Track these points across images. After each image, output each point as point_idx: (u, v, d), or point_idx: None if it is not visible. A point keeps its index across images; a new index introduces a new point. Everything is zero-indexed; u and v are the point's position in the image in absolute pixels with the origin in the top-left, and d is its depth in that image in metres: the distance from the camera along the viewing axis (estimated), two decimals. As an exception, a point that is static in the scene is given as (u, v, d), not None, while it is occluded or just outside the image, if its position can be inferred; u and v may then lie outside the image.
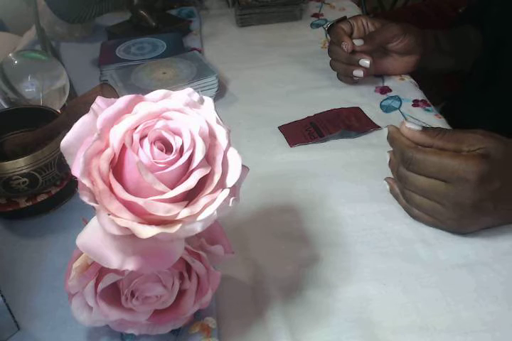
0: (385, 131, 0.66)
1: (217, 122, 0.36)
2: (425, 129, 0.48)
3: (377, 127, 0.66)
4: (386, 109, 0.71)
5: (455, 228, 0.50)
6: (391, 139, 0.51)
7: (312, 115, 0.69)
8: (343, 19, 0.76)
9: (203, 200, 0.33)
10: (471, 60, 0.78)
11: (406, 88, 0.75)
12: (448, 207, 0.47)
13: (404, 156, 0.48)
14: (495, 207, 0.47)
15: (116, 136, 0.33)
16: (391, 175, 0.57)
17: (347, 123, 0.66)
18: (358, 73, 0.72)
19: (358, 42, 0.70)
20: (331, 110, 0.70)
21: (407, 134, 0.49)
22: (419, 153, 0.47)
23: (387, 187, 0.55)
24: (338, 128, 0.65)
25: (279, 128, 0.68)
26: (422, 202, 0.49)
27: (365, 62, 0.70)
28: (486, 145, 0.45)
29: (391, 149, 0.52)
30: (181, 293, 0.41)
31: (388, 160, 0.53)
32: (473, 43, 0.78)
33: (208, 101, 0.37)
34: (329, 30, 0.76)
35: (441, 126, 0.64)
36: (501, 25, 0.70)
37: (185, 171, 0.34)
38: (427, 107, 0.70)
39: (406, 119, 0.68)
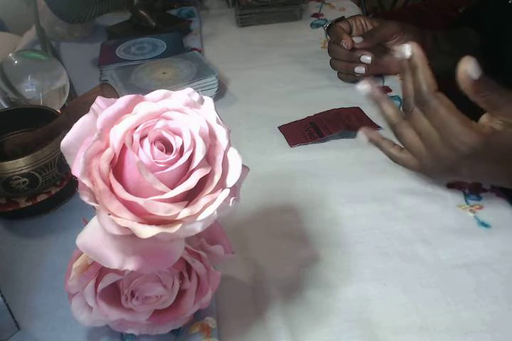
0: (384, 132, 0.66)
1: (218, 122, 0.36)
2: (481, 80, 0.45)
3: (377, 127, 0.66)
4: (386, 109, 0.71)
5: (424, 171, 0.51)
6: (414, 66, 0.47)
7: (312, 115, 0.69)
8: (342, 19, 0.76)
9: (203, 200, 0.33)
10: None
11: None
12: (428, 154, 0.48)
13: (421, 95, 0.46)
14: (469, 174, 0.48)
15: (116, 136, 0.33)
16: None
17: (347, 123, 0.66)
18: (360, 70, 0.72)
19: (358, 40, 0.70)
20: (331, 110, 0.70)
21: (461, 75, 0.45)
22: (437, 100, 0.46)
23: (364, 137, 0.54)
24: (338, 128, 0.65)
25: (279, 128, 0.68)
26: (412, 140, 0.49)
27: (367, 58, 0.71)
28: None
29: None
30: (181, 293, 0.41)
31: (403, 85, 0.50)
32: (472, 44, 0.78)
33: (208, 101, 0.37)
34: (328, 30, 0.76)
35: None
36: (498, 25, 0.70)
37: (186, 171, 0.34)
38: (427, 107, 0.70)
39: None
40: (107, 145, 0.34)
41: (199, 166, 0.34)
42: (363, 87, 0.57)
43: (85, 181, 0.32)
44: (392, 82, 0.76)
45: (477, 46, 0.77)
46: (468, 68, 0.45)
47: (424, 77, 0.47)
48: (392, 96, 0.72)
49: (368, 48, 0.71)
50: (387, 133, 0.66)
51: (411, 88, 0.48)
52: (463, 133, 0.44)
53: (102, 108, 0.35)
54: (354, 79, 0.75)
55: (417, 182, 0.58)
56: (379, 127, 0.66)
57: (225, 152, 0.35)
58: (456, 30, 0.81)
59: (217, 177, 0.34)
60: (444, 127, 0.45)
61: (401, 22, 0.73)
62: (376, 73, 0.76)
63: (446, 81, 0.50)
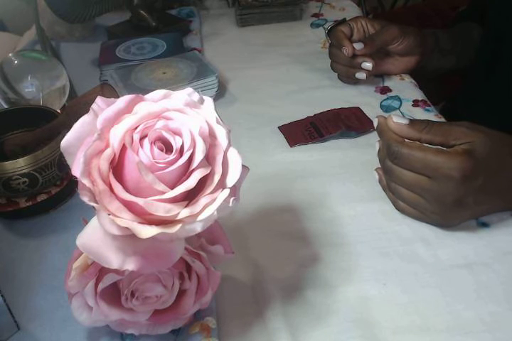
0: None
1: (217, 122, 0.36)
2: (412, 122, 0.48)
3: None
4: (386, 109, 0.71)
5: (438, 222, 0.51)
6: (379, 131, 0.50)
7: (312, 115, 0.69)
8: (343, 21, 0.76)
9: (203, 200, 0.33)
10: (472, 56, 0.78)
11: (406, 88, 0.75)
12: (431, 201, 0.48)
13: (390, 150, 0.48)
14: (475, 202, 0.47)
15: (116, 136, 0.33)
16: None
17: (347, 123, 0.66)
18: (361, 75, 0.72)
19: (358, 46, 0.70)
20: (331, 110, 0.70)
21: (394, 129, 0.48)
22: (405, 147, 0.47)
23: (377, 177, 0.55)
24: (338, 128, 0.65)
25: (279, 128, 0.68)
26: (408, 195, 0.49)
27: (367, 64, 0.71)
28: (471, 140, 0.46)
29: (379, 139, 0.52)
30: (181, 293, 0.41)
31: (377, 149, 0.52)
32: (474, 39, 0.78)
33: (208, 101, 0.37)
34: (329, 33, 0.76)
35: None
36: (503, 20, 0.70)
37: (186, 171, 0.34)
38: (427, 107, 0.70)
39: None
40: (107, 145, 0.34)
41: (199, 166, 0.34)
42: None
43: (85, 181, 0.32)
44: (393, 82, 0.76)
45: (478, 41, 0.77)
46: (394, 119, 0.48)
47: (388, 136, 0.49)
48: (392, 96, 0.73)
49: (368, 54, 0.71)
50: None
51: (383, 151, 0.51)
52: (446, 160, 0.45)
53: (102, 108, 0.35)
54: (354, 82, 0.75)
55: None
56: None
57: (225, 152, 0.35)
58: (458, 25, 0.81)
59: (217, 177, 0.34)
60: (427, 165, 0.46)
61: (401, 25, 0.73)
62: (376, 74, 0.76)
63: (449, 78, 0.50)
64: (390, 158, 0.49)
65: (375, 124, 0.51)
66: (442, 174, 0.45)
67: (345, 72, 0.74)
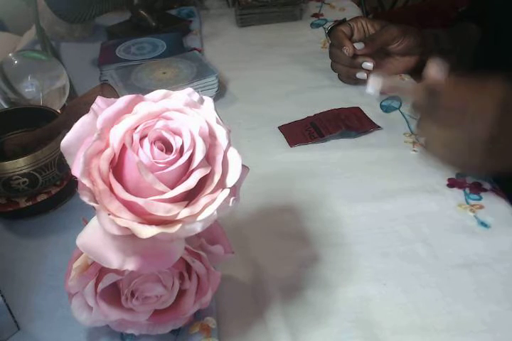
0: (384, 132, 0.66)
1: (217, 122, 0.36)
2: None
3: (377, 127, 0.66)
4: (386, 109, 0.71)
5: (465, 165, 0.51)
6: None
7: (312, 115, 0.69)
8: (343, 21, 0.76)
9: (203, 200, 0.33)
10: (472, 56, 0.78)
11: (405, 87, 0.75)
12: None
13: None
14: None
15: (116, 136, 0.33)
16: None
17: (347, 123, 0.66)
18: (362, 76, 0.72)
19: (359, 46, 0.70)
20: (331, 110, 0.70)
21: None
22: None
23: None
24: (338, 128, 0.65)
25: (279, 128, 0.68)
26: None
27: (368, 64, 0.71)
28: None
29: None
30: (181, 293, 0.41)
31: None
32: (473, 39, 0.78)
33: (208, 101, 0.37)
34: (329, 33, 0.76)
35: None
36: (503, 20, 0.70)
37: (185, 171, 0.34)
38: (427, 107, 0.70)
39: (406, 120, 0.68)
40: (107, 145, 0.34)
41: (199, 166, 0.34)
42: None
43: (85, 181, 0.32)
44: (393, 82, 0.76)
45: (477, 41, 0.77)
46: (432, 71, 0.51)
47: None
48: (392, 96, 0.72)
49: (369, 54, 0.71)
50: (387, 134, 0.66)
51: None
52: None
53: (102, 108, 0.35)
54: (355, 82, 0.75)
55: (417, 181, 0.58)
56: (378, 127, 0.66)
57: (225, 152, 0.35)
58: (458, 25, 0.81)
59: (217, 177, 0.34)
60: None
61: (402, 25, 0.73)
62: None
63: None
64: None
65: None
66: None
67: (346, 72, 0.74)
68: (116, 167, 0.34)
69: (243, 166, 0.35)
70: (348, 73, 0.74)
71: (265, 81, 0.79)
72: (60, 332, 0.45)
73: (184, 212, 0.33)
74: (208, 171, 0.34)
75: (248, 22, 0.97)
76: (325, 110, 0.70)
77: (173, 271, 0.39)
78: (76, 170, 0.32)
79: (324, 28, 0.94)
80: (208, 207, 0.33)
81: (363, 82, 0.75)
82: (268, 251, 0.51)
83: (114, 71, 0.76)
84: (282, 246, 0.52)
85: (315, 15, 1.00)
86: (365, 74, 0.72)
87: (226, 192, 0.34)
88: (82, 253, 0.38)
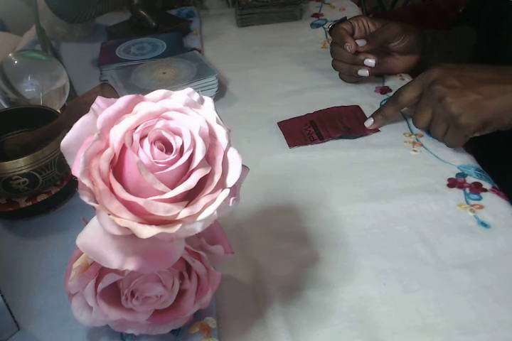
0: (385, 132, 0.66)
1: (217, 122, 0.36)
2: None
3: (376, 131, 0.66)
4: (386, 109, 0.71)
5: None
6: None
7: (312, 112, 0.69)
8: (344, 20, 0.76)
9: (203, 200, 0.33)
10: (471, 58, 0.78)
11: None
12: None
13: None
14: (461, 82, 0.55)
15: (116, 136, 0.33)
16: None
17: (347, 125, 0.66)
18: (363, 72, 0.72)
19: (361, 43, 0.71)
20: (331, 108, 0.70)
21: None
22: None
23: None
24: (337, 131, 0.65)
25: (279, 124, 0.68)
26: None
27: (370, 61, 0.71)
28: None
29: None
30: (181, 293, 0.41)
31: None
32: (471, 43, 0.78)
33: (208, 101, 0.37)
34: (330, 31, 0.76)
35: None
36: (497, 23, 0.71)
37: (186, 171, 0.34)
38: (427, 107, 0.70)
39: (406, 119, 0.68)
40: (107, 145, 0.34)
41: (199, 166, 0.34)
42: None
43: (85, 181, 0.32)
44: (393, 82, 0.76)
45: (475, 43, 0.77)
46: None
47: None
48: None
49: (370, 51, 0.71)
50: (387, 134, 0.66)
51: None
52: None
53: (102, 108, 0.35)
54: (356, 80, 0.75)
55: (417, 181, 0.58)
56: (378, 131, 0.66)
57: (225, 152, 0.35)
58: (457, 29, 0.81)
59: (217, 177, 0.34)
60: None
61: (402, 23, 0.73)
62: (377, 73, 0.76)
63: None
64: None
65: (370, 123, 0.64)
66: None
67: (348, 69, 0.74)
68: (116, 167, 0.34)
69: (243, 166, 0.35)
70: (349, 71, 0.74)
71: (265, 81, 0.79)
72: (60, 332, 0.45)
73: (184, 212, 0.33)
74: (208, 171, 0.34)
75: (248, 22, 0.97)
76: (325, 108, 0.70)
77: (173, 271, 0.39)
78: (76, 170, 0.32)
79: (324, 28, 0.94)
80: (208, 207, 0.33)
81: (365, 80, 0.75)
82: (268, 251, 0.51)
83: (114, 71, 0.76)
84: (282, 246, 0.52)
85: (315, 15, 1.00)
86: (367, 72, 0.72)
87: (226, 192, 0.34)
88: (82, 253, 0.38)
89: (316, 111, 0.69)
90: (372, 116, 0.66)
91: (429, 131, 0.62)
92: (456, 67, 0.59)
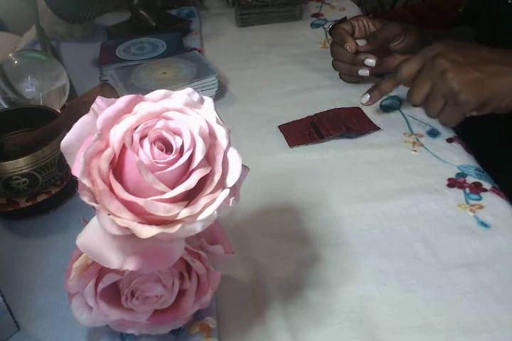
0: (385, 132, 0.66)
1: (217, 122, 0.36)
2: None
3: (377, 129, 0.66)
4: (386, 109, 0.71)
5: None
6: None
7: (312, 114, 0.69)
8: (344, 20, 0.76)
9: (203, 200, 0.33)
10: None
11: (406, 88, 0.75)
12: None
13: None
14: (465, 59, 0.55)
15: (116, 136, 0.33)
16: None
17: (347, 124, 0.66)
18: (364, 72, 0.72)
19: (362, 43, 0.71)
20: (332, 110, 0.70)
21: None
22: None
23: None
24: (338, 130, 0.65)
25: (279, 127, 0.68)
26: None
27: (371, 61, 0.71)
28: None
29: None
30: (181, 293, 0.41)
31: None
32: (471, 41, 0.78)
33: (208, 101, 0.37)
34: (331, 31, 0.76)
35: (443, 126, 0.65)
36: (497, 24, 0.71)
37: (185, 171, 0.34)
38: (427, 107, 0.70)
39: (406, 119, 0.68)
40: (107, 145, 0.34)
41: (199, 166, 0.34)
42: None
43: (85, 181, 0.32)
44: (392, 82, 0.76)
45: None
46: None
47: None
48: (392, 97, 0.72)
49: (371, 50, 0.71)
50: (387, 134, 0.66)
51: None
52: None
53: (102, 108, 0.35)
54: (356, 80, 0.75)
55: (417, 181, 0.58)
56: (378, 129, 0.66)
57: (225, 152, 0.35)
58: (457, 29, 0.81)
59: (217, 177, 0.34)
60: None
61: (403, 23, 0.73)
62: (377, 73, 0.76)
63: None
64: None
65: (366, 99, 0.65)
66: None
67: (348, 69, 0.74)
68: (116, 167, 0.34)
69: (243, 166, 0.35)
70: (349, 71, 0.74)
71: (265, 81, 0.79)
72: (60, 332, 0.45)
73: (184, 212, 0.33)
74: (208, 171, 0.34)
75: (248, 22, 0.97)
76: (325, 110, 0.70)
77: (173, 271, 0.39)
78: (76, 170, 0.32)
79: (324, 28, 0.94)
80: (208, 207, 0.33)
81: (365, 80, 0.75)
82: (268, 251, 0.51)
83: (114, 71, 0.76)
84: (282, 246, 0.52)
85: (315, 15, 1.00)
86: (368, 71, 0.72)
87: (226, 192, 0.34)
88: (82, 253, 0.38)
89: (317, 114, 0.69)
90: (369, 91, 0.66)
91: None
92: (461, 45, 0.58)
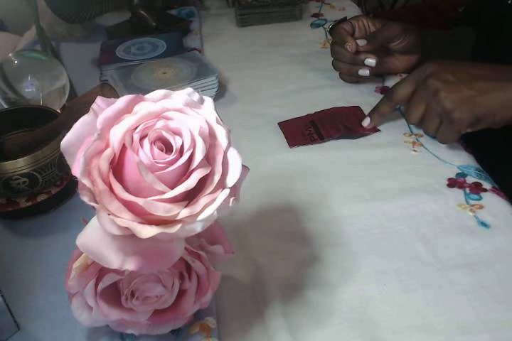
0: (384, 132, 0.66)
1: (217, 122, 0.36)
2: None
3: (377, 130, 0.66)
4: (386, 109, 0.71)
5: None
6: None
7: (313, 113, 0.69)
8: (344, 20, 0.76)
9: (203, 200, 0.33)
10: (470, 58, 0.78)
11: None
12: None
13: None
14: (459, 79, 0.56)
15: (116, 136, 0.33)
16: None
17: (347, 125, 0.66)
18: (364, 72, 0.72)
19: (362, 42, 0.71)
20: (332, 109, 0.70)
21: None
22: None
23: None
24: (338, 131, 0.65)
25: (279, 124, 0.68)
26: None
27: (371, 61, 0.71)
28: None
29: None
30: (181, 293, 0.41)
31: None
32: (471, 43, 0.78)
33: (208, 101, 0.37)
34: (331, 31, 0.76)
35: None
36: (497, 24, 0.71)
37: (185, 171, 0.34)
38: (427, 107, 0.70)
39: (406, 120, 0.68)
40: (107, 145, 0.34)
41: (199, 166, 0.34)
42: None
43: (85, 181, 0.32)
44: (393, 82, 0.76)
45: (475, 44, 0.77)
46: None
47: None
48: (392, 96, 0.72)
49: (371, 50, 0.71)
50: (387, 134, 0.66)
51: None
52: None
53: (102, 108, 0.35)
54: (356, 80, 0.75)
55: (417, 181, 0.58)
56: (378, 130, 0.66)
57: (225, 152, 0.35)
58: (457, 29, 0.81)
59: (217, 177, 0.34)
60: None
61: (403, 23, 0.73)
62: (377, 73, 0.76)
63: None
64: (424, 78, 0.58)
65: (367, 122, 0.65)
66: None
67: (348, 69, 0.74)
68: (116, 167, 0.34)
69: (243, 166, 0.35)
70: (350, 71, 0.74)
71: (265, 81, 0.79)
72: (60, 332, 0.45)
73: (184, 212, 0.33)
74: (208, 171, 0.34)
75: (248, 22, 0.97)
76: (325, 108, 0.70)
77: (173, 271, 0.39)
78: (76, 170, 0.32)
79: (324, 28, 0.94)
80: (208, 207, 0.33)
81: (365, 80, 0.75)
82: (268, 251, 0.51)
83: (114, 71, 0.76)
84: (282, 246, 0.52)
85: (315, 15, 1.00)
86: (368, 71, 0.72)
87: (226, 192, 0.34)
88: (82, 253, 0.38)
89: (317, 112, 0.69)
90: (369, 115, 0.66)
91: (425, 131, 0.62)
92: (452, 63, 0.59)
